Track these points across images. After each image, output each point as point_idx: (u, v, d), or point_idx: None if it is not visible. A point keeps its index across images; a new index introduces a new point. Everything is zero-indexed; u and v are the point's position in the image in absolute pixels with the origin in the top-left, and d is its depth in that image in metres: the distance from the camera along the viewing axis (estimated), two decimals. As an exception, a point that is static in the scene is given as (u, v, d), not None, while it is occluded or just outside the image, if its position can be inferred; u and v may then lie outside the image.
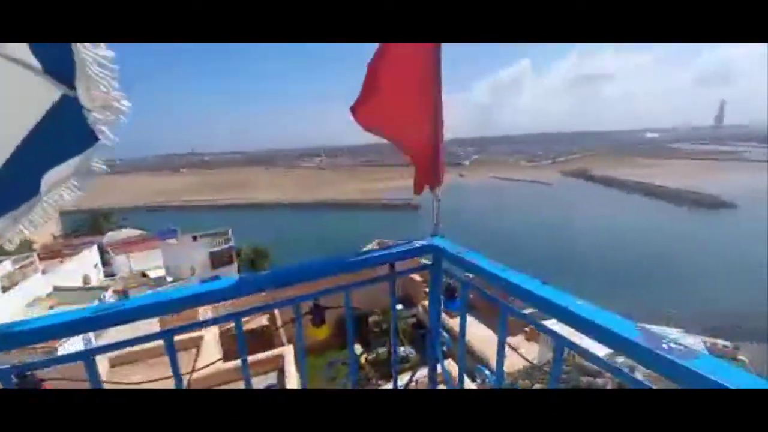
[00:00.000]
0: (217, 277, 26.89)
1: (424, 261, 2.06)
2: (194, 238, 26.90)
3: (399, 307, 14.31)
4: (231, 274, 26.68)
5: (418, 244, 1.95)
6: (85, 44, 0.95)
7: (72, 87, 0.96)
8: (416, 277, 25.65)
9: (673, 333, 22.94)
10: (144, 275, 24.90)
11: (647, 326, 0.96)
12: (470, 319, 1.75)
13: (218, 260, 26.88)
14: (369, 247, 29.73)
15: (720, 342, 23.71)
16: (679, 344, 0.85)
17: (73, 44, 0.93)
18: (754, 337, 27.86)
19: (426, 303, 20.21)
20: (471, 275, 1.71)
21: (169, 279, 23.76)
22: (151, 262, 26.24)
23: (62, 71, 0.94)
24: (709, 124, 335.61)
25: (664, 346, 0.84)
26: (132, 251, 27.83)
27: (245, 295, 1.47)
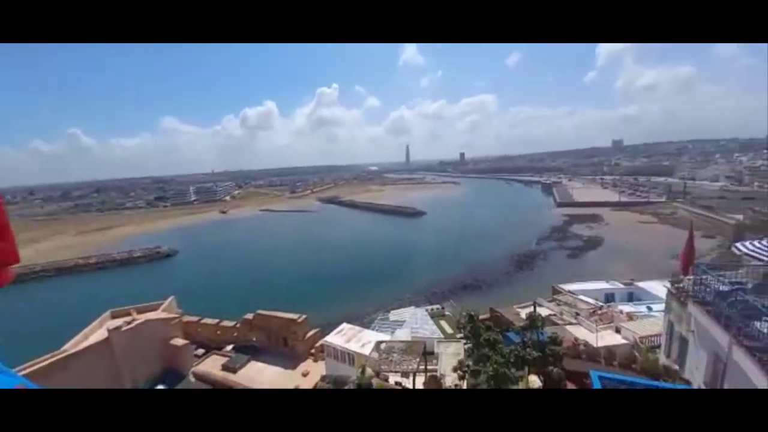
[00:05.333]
0: None
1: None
2: None
3: None
4: None
5: None
6: None
7: None
8: (181, 340, 21.11)
9: (409, 310, 31.15)
10: None
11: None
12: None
13: None
14: (98, 320, 21.46)
15: (435, 307, 34.47)
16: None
17: None
18: (456, 293, 42.63)
19: None
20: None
21: None
22: None
23: None
24: (402, 161, 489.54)
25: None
26: None
27: None
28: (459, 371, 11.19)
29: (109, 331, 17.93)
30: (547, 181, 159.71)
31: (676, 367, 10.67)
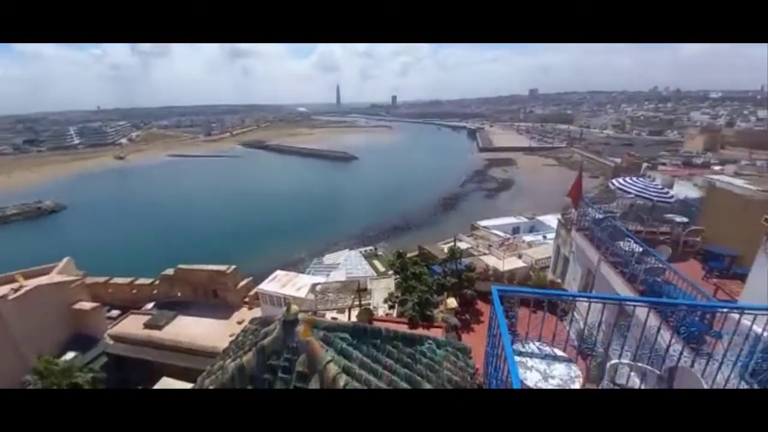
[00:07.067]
0: None
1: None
2: None
3: None
4: None
5: None
6: None
7: None
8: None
9: (343, 253, 32.15)
10: None
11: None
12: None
13: None
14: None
15: (368, 248, 36.10)
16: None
17: None
18: (388, 234, 44.84)
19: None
20: None
21: None
22: None
23: None
24: (333, 102, 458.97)
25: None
26: None
27: None
28: (389, 302, 12.33)
29: (-13, 301, 15.08)
30: (472, 127, 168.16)
31: (559, 280, 13.27)
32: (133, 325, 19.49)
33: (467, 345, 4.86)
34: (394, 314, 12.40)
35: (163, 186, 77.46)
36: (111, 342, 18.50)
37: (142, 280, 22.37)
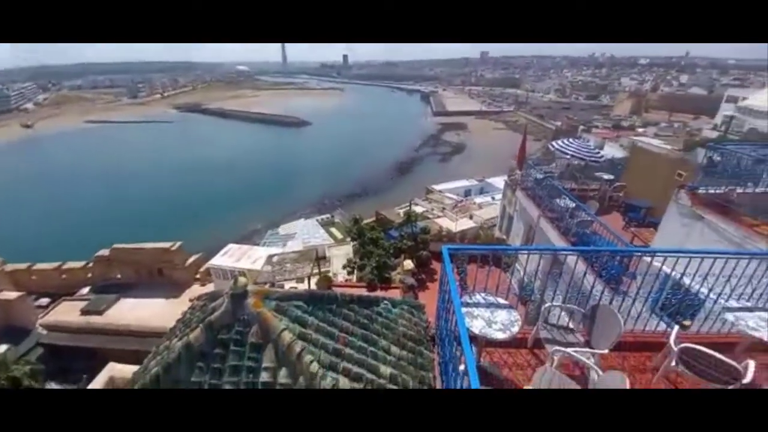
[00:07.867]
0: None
1: None
2: None
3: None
4: None
5: None
6: None
7: None
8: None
9: (299, 222, 31.49)
10: None
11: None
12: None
13: None
14: None
15: (326, 216, 35.55)
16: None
17: None
18: (344, 201, 44.31)
19: None
20: None
21: None
22: None
23: None
24: (278, 60, 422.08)
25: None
26: None
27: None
28: (348, 268, 12.50)
29: None
30: (426, 90, 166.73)
31: (504, 237, 14.33)
32: (68, 312, 17.78)
33: (421, 302, 5.12)
34: (354, 279, 12.65)
35: (85, 158, 67.99)
36: (44, 332, 16.82)
37: (71, 264, 20.15)
